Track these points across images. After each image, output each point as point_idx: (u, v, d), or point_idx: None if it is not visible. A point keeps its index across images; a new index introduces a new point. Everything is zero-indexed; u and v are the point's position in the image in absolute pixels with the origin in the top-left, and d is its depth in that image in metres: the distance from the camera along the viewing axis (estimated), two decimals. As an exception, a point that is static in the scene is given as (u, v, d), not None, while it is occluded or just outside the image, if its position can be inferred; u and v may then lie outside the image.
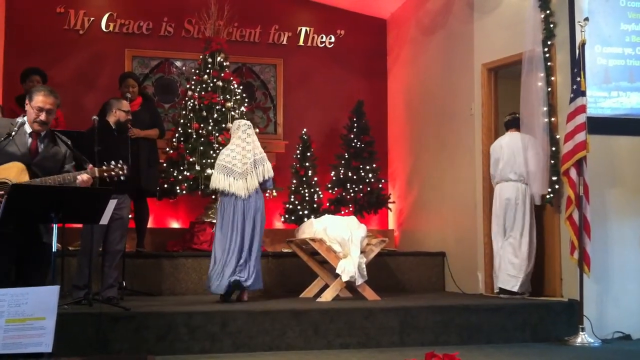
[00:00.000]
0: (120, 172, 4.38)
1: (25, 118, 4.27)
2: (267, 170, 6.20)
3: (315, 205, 8.28)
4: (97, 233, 5.62)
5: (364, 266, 6.27)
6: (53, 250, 4.06)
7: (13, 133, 4.11)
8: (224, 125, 7.68)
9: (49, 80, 6.94)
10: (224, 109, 7.74)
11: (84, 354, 4.63)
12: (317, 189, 8.39)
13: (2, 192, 3.93)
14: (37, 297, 2.97)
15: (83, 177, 4.22)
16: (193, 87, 7.90)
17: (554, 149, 6.30)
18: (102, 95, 6.10)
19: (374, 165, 8.66)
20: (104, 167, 4.37)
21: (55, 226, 3.96)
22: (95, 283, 5.74)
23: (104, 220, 5.08)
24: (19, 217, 3.93)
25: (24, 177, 4.08)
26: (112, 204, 5.20)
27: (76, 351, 4.55)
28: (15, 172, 4.08)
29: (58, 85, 7.08)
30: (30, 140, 4.23)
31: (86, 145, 5.15)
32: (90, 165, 4.33)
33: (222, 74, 7.89)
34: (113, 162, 4.40)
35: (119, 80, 7.08)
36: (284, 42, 9.34)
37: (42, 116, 4.19)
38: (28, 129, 4.23)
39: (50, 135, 4.32)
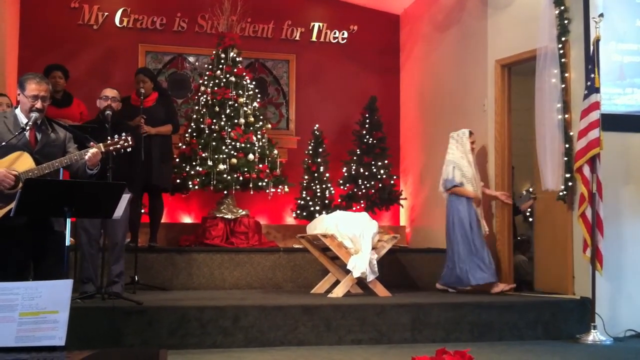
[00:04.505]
0: (126, 144, 4.30)
1: (17, 110, 4.20)
2: (443, 173, 7.11)
3: (326, 201, 8.28)
4: (92, 226, 5.61)
5: (375, 262, 6.28)
6: (67, 245, 4.09)
7: (27, 128, 4.09)
8: (236, 121, 7.71)
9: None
10: (236, 105, 7.76)
11: (97, 348, 4.64)
12: (329, 185, 8.39)
13: (13, 184, 3.94)
14: (51, 290, 2.98)
15: (92, 151, 4.15)
16: (206, 82, 7.93)
17: (567, 145, 6.26)
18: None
19: (386, 162, 8.66)
20: (109, 142, 4.29)
21: (68, 220, 3.97)
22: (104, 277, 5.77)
23: (117, 214, 5.09)
24: (32, 211, 3.94)
25: (29, 163, 4.03)
26: (125, 198, 5.21)
27: (89, 345, 4.56)
28: (19, 161, 4.01)
29: (72, 80, 7.12)
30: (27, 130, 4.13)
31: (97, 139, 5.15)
32: (93, 142, 4.26)
33: (235, 70, 7.91)
34: (117, 136, 4.33)
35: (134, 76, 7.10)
36: (297, 38, 9.34)
37: (38, 104, 4.11)
38: (23, 119, 4.14)
39: (46, 123, 4.25)
